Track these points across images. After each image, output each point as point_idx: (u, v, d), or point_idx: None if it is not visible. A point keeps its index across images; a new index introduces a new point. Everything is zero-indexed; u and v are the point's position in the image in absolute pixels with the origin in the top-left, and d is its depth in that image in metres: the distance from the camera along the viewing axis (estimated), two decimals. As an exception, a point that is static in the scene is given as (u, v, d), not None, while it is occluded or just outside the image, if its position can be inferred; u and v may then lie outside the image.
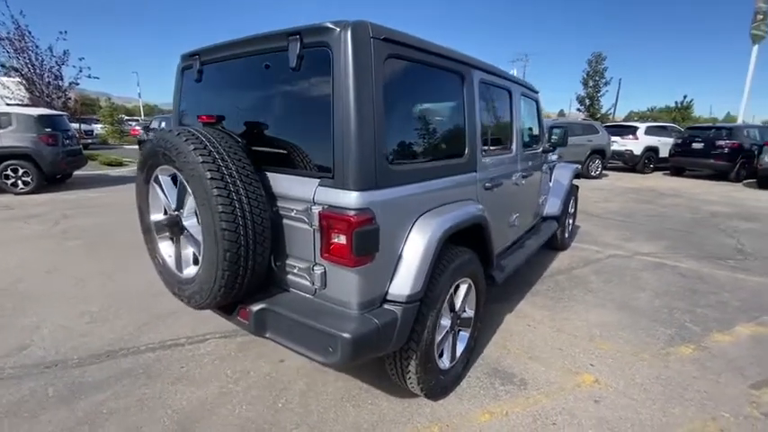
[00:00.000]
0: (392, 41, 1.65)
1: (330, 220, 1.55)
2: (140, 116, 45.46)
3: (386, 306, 1.72)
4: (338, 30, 1.51)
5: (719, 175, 11.61)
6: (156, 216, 1.96)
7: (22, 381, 2.31)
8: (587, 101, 26.78)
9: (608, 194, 9.09)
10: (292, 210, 1.71)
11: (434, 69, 1.97)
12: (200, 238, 1.68)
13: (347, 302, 1.66)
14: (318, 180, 1.63)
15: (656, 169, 13.41)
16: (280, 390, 2.26)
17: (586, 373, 2.44)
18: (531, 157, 3.38)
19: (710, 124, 13.75)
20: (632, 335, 2.90)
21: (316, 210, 1.59)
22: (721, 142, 11.03)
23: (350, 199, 1.53)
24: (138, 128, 28.07)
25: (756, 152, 10.49)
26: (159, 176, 1.84)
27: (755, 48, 14.32)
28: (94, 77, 13.42)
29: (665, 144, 12.96)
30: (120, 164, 11.79)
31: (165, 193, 1.86)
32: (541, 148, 3.74)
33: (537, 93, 3.72)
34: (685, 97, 30.54)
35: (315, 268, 1.68)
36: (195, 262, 1.84)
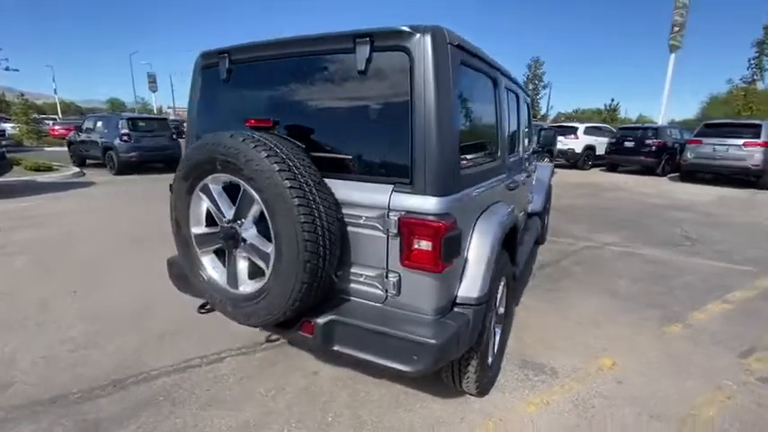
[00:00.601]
0: (462, 48, 1.66)
1: (412, 226, 1.53)
2: (58, 115, 40.58)
3: (456, 309, 1.73)
4: (418, 35, 1.49)
5: (648, 170, 13.05)
6: (199, 229, 1.80)
7: (21, 424, 1.99)
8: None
9: (559, 190, 9.80)
10: (361, 217, 1.66)
11: (483, 75, 2.02)
12: (268, 249, 1.57)
13: (423, 308, 1.65)
14: (392, 186, 1.60)
15: (593, 166, 14.75)
16: (324, 403, 2.18)
17: (604, 357, 2.64)
18: (530, 157, 3.57)
19: (639, 125, 15.41)
20: (628, 318, 3.19)
21: (394, 216, 1.56)
22: (649, 141, 12.41)
23: (432, 204, 1.53)
24: (57, 127, 25.00)
25: (678, 149, 11.96)
26: (210, 186, 1.69)
27: (672, 56, 16.35)
28: (13, 70, 11.72)
29: (600, 143, 14.29)
30: (50, 168, 10.43)
31: (216, 204, 1.71)
32: (531, 149, 3.97)
33: (529, 95, 3.94)
34: (612, 100, 33.98)
35: (389, 275, 1.65)
36: (251, 276, 1.72)
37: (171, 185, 1.85)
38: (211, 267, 1.82)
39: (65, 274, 3.92)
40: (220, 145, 1.55)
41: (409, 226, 1.53)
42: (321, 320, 1.68)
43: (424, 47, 1.49)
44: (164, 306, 3.22)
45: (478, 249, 1.78)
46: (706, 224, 6.46)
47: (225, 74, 2.01)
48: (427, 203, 1.53)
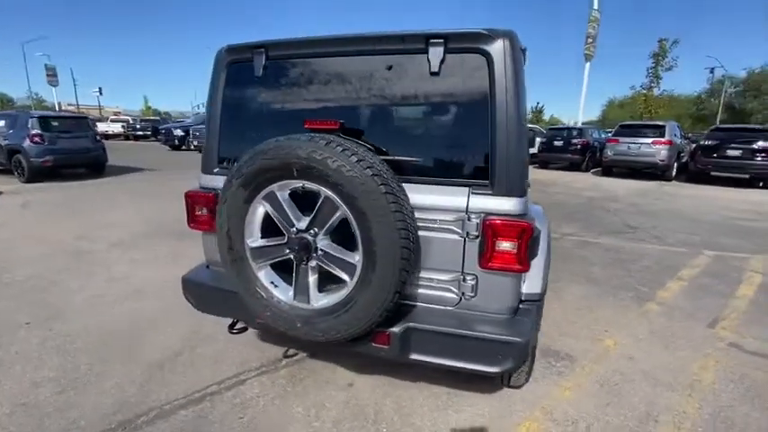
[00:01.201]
0: (524, 51, 1.71)
1: (497, 228, 1.54)
2: None
3: (522, 306, 1.78)
4: (499, 38, 1.50)
5: (573, 166, 14.50)
6: (256, 241, 1.62)
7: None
8: None
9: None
10: (435, 221, 1.63)
11: None
12: (353, 258, 1.47)
13: (499, 308, 1.67)
14: (468, 188, 1.60)
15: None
16: (372, 414, 2.10)
17: (607, 339, 2.90)
18: None
19: (566, 125, 17.06)
20: (610, 301, 3.53)
21: (475, 219, 1.56)
22: (575, 140, 13.80)
23: (514, 205, 1.55)
24: None
25: (599, 147, 13.49)
26: (277, 193, 1.53)
27: (588, 65, 18.43)
28: None
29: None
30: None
31: (284, 212, 1.55)
32: None
33: None
34: (538, 103, 36.92)
35: (467, 278, 1.64)
36: (320, 289, 1.59)
37: (221, 193, 1.64)
38: (270, 282, 1.66)
39: (9, 301, 3.29)
40: (299, 149, 1.42)
41: (494, 228, 1.54)
42: (397, 329, 1.62)
43: (504, 50, 1.50)
44: (145, 330, 2.86)
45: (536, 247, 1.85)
46: (636, 213, 7.38)
47: (260, 70, 1.84)
48: (510, 205, 1.55)
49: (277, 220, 1.61)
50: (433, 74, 1.58)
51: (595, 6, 16.72)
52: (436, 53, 1.56)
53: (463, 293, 1.67)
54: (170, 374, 2.41)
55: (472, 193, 1.59)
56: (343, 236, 1.55)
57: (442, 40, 1.55)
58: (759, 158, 9.99)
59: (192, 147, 17.76)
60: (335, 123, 1.58)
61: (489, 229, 1.55)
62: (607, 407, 2.19)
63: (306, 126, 1.62)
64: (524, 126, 1.57)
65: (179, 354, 2.59)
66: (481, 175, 1.58)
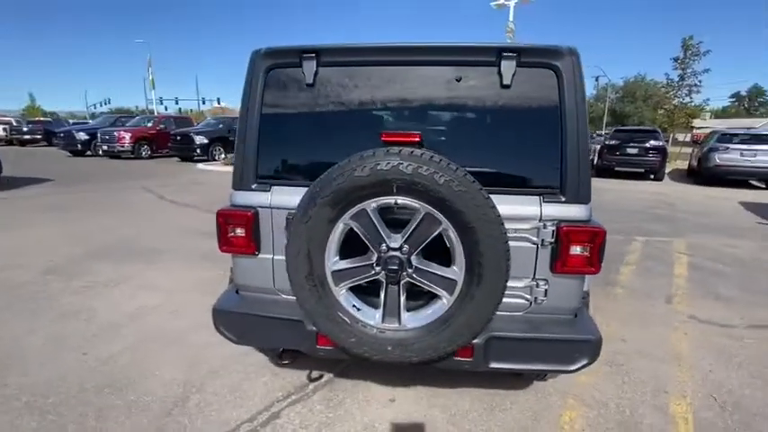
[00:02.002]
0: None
1: (574, 234, 1.62)
2: None
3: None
4: (567, 55, 1.59)
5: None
6: (339, 263, 1.49)
7: None
8: None
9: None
10: (510, 230, 1.66)
11: None
12: (452, 275, 1.43)
13: (567, 309, 1.76)
14: (539, 197, 1.66)
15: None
16: (426, 427, 2.08)
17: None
18: None
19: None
20: (584, 289, 3.94)
21: (551, 226, 1.63)
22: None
23: (585, 212, 1.65)
24: None
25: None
26: (368, 211, 1.42)
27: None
28: None
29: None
30: None
31: (376, 231, 1.45)
32: None
33: None
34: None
35: (539, 284, 1.70)
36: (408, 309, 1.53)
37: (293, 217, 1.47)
38: (352, 306, 1.54)
39: None
40: (401, 165, 1.34)
41: (569, 234, 1.62)
42: (480, 340, 1.63)
43: (573, 66, 1.59)
44: (132, 374, 2.47)
45: None
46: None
47: (311, 77, 1.69)
48: (581, 211, 1.65)
49: (366, 239, 1.51)
50: (504, 86, 1.61)
51: (510, 18, 18.38)
52: (509, 66, 1.59)
53: (535, 298, 1.73)
54: (187, 420, 2.11)
55: (544, 201, 1.65)
56: (434, 251, 1.51)
57: (514, 54, 1.59)
58: (650, 155, 11.88)
59: (101, 152, 15.51)
60: (416, 136, 1.53)
61: (565, 236, 1.63)
62: (624, 385, 2.44)
63: (383, 139, 1.54)
64: (588, 136, 1.69)
65: (186, 397, 2.27)
66: (552, 184, 1.66)
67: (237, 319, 1.84)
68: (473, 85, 1.66)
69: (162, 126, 16.66)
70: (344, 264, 1.56)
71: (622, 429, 2.08)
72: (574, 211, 1.65)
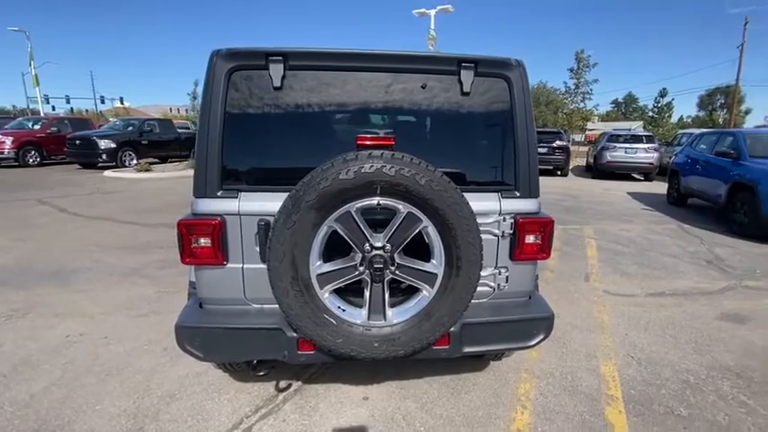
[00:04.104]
0: None
1: (529, 225, 1.83)
2: None
3: None
4: (516, 66, 1.79)
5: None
6: (323, 266, 1.49)
7: None
8: None
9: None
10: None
11: None
12: (433, 269, 1.53)
13: (523, 292, 1.97)
14: (497, 193, 1.84)
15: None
16: (401, 419, 2.15)
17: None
18: None
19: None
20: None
21: (510, 219, 1.82)
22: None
23: (536, 205, 1.87)
24: None
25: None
26: (353, 213, 1.44)
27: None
28: None
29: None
30: None
31: (360, 231, 1.47)
32: None
33: None
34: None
35: (501, 271, 1.88)
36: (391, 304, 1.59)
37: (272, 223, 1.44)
38: (337, 308, 1.55)
39: None
40: (384, 167, 1.39)
41: (525, 225, 1.82)
42: (455, 328, 1.76)
43: (521, 76, 1.80)
44: (62, 416, 2.19)
45: None
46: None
47: (279, 80, 1.67)
48: (533, 205, 1.86)
49: (350, 240, 1.53)
50: (464, 94, 1.76)
51: (432, 27, 19.42)
52: (468, 76, 1.74)
53: (498, 285, 1.91)
54: (146, 451, 1.93)
55: (502, 197, 1.84)
56: (411, 248, 1.59)
57: (472, 64, 1.74)
58: (557, 154, 13.44)
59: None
60: (391, 140, 1.60)
61: (521, 227, 1.83)
62: (564, 356, 2.78)
63: (359, 143, 1.58)
64: (535, 138, 1.91)
65: (140, 429, 2.07)
66: (508, 181, 1.85)
67: (205, 335, 1.73)
68: (437, 92, 1.78)
69: (54, 129, 14.45)
70: (328, 266, 1.57)
71: (567, 393, 2.39)
72: (527, 205, 1.86)
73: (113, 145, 13.01)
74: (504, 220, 1.82)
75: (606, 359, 2.74)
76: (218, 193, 1.72)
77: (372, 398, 2.33)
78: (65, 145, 13.27)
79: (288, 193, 1.57)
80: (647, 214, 7.77)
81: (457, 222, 1.50)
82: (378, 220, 1.58)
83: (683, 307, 3.59)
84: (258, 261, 1.76)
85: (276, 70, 1.67)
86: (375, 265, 1.54)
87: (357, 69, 1.73)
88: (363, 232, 1.53)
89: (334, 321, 1.56)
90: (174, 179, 11.54)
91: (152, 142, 14.22)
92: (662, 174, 12.57)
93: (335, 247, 1.58)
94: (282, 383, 2.41)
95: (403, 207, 1.51)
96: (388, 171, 1.41)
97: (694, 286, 4.06)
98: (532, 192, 1.87)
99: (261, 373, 1.83)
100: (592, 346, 2.90)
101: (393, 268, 1.58)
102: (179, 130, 16.12)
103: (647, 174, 13.05)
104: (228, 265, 1.76)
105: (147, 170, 12.10)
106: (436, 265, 1.59)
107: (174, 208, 7.45)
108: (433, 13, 19.16)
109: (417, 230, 1.55)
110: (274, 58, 1.66)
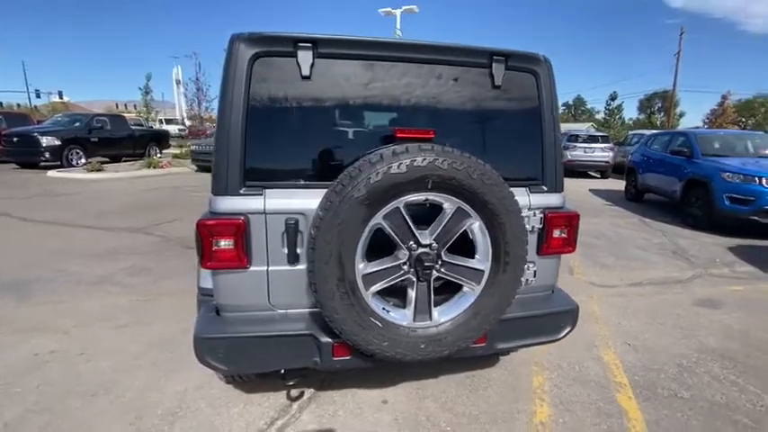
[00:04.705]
0: None
1: (556, 219, 1.83)
2: None
3: None
4: (543, 60, 1.79)
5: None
6: (369, 266, 1.40)
7: None
8: None
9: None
10: None
11: None
12: (480, 265, 1.48)
13: (549, 286, 1.99)
14: (526, 188, 1.84)
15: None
16: (425, 420, 2.11)
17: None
18: None
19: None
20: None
21: (539, 213, 1.82)
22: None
23: (561, 200, 1.89)
24: None
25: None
26: (401, 209, 1.36)
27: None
28: None
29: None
30: None
31: (408, 228, 1.39)
32: None
33: None
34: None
35: (529, 266, 1.88)
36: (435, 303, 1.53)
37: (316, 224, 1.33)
38: (381, 309, 1.47)
39: None
40: (437, 160, 1.33)
41: (553, 220, 1.83)
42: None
43: (548, 72, 1.80)
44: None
45: None
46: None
47: (308, 69, 1.56)
48: (559, 199, 1.87)
49: (397, 238, 1.45)
50: (495, 87, 1.74)
51: (398, 26, 19.55)
52: (499, 69, 1.72)
53: (526, 280, 1.91)
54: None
55: (531, 191, 1.84)
56: (456, 244, 1.54)
57: (503, 58, 1.72)
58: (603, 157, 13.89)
59: None
60: (430, 132, 1.54)
61: (550, 221, 1.83)
62: (565, 347, 2.84)
63: (398, 135, 1.51)
64: (560, 133, 1.93)
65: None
66: (536, 176, 1.85)
67: (230, 345, 1.58)
68: (468, 84, 1.75)
69: (-16, 125, 12.97)
70: (374, 266, 1.49)
71: (578, 383, 2.45)
72: (554, 199, 1.88)
73: (58, 142, 11.87)
74: (534, 214, 1.82)
75: (606, 348, 2.85)
76: (241, 191, 1.58)
77: (391, 401, 2.26)
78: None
79: (322, 189, 1.48)
80: (609, 209, 8.25)
81: (506, 217, 1.47)
82: (418, 216, 1.52)
83: (661, 295, 3.82)
84: (284, 263, 1.64)
85: (305, 58, 1.56)
86: (425, 264, 1.47)
87: (388, 59, 1.65)
88: (411, 229, 1.46)
89: (379, 324, 1.48)
90: (130, 180, 10.76)
91: (103, 140, 13.13)
92: (615, 171, 13.47)
93: (378, 246, 1.50)
94: (294, 392, 2.28)
95: (453, 202, 1.45)
96: (440, 164, 1.36)
97: (667, 275, 4.35)
98: (558, 186, 1.89)
99: (290, 383, 1.70)
100: (590, 336, 3.01)
101: (439, 266, 1.52)
102: (132, 127, 15.04)
103: (603, 171, 13.89)
104: (252, 268, 1.63)
105: (98, 170, 11.17)
106: (482, 261, 1.56)
107: (136, 211, 6.94)
108: (398, 12, 19.25)
109: (466, 226, 1.51)
110: (303, 44, 1.55)
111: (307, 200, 1.59)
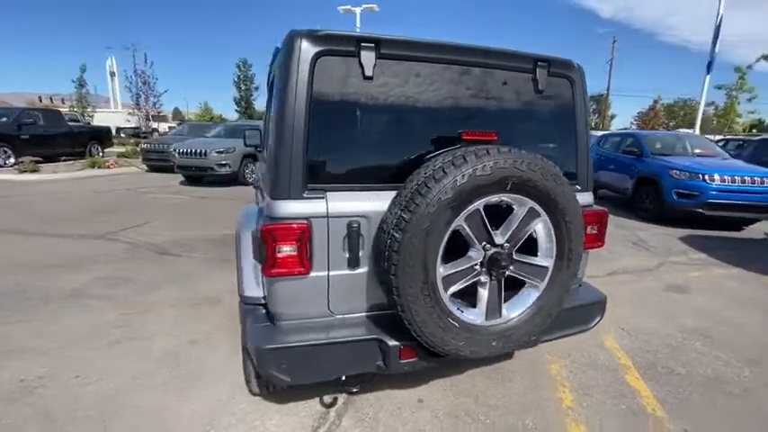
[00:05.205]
0: None
1: (589, 216, 1.95)
2: None
3: None
4: (577, 67, 1.90)
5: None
6: (448, 267, 1.41)
7: None
8: (243, 103, 29.10)
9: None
10: None
11: None
12: (544, 263, 1.55)
13: (578, 279, 2.11)
14: None
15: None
16: (464, 415, 2.16)
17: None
18: None
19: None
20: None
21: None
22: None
23: (591, 198, 2.02)
24: None
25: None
26: (481, 210, 1.38)
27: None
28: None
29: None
30: None
31: (485, 229, 1.42)
32: None
33: None
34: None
35: None
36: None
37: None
38: (457, 309, 1.48)
39: None
40: (516, 162, 1.37)
41: (586, 217, 1.94)
42: None
43: (581, 77, 1.92)
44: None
45: None
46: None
47: (371, 69, 1.53)
48: (590, 197, 2.00)
49: (474, 239, 1.47)
50: (538, 91, 1.82)
51: (357, 24, 19.45)
52: (543, 75, 1.80)
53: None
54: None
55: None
56: (525, 243, 1.61)
57: (546, 64, 1.81)
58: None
59: None
60: (493, 135, 1.58)
61: (587, 219, 1.95)
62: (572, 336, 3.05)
63: (465, 138, 1.53)
64: (589, 135, 2.06)
65: None
66: (572, 175, 1.96)
67: (294, 355, 1.51)
68: (516, 88, 1.81)
69: None
70: (451, 268, 1.50)
71: (591, 368, 2.63)
72: (586, 198, 2.00)
73: (-21, 140, 10.49)
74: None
75: (605, 333, 3.08)
76: (304, 194, 1.52)
77: (426, 399, 2.29)
78: None
79: (383, 191, 1.52)
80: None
81: (572, 216, 1.56)
82: (489, 217, 1.56)
83: (637, 283, 4.19)
84: (344, 267, 1.61)
85: (368, 58, 1.53)
86: (501, 263, 1.52)
87: (445, 62, 1.67)
88: (488, 230, 1.50)
89: (456, 324, 1.49)
90: (72, 181, 9.78)
91: (35, 137, 11.78)
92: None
93: (450, 248, 1.51)
94: (327, 398, 2.23)
95: (525, 203, 1.51)
96: (520, 166, 1.40)
97: (637, 264, 4.77)
98: (589, 185, 2.02)
99: (354, 390, 1.65)
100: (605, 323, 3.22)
101: (512, 266, 1.58)
102: (69, 123, 13.65)
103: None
104: (312, 274, 1.57)
105: (33, 171, 10.04)
106: (546, 258, 1.63)
107: (90, 215, 6.35)
108: (358, 11, 19.19)
109: (534, 226, 1.57)
110: (367, 44, 1.52)
111: (368, 202, 1.57)
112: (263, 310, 1.72)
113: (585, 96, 1.98)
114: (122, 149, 15.41)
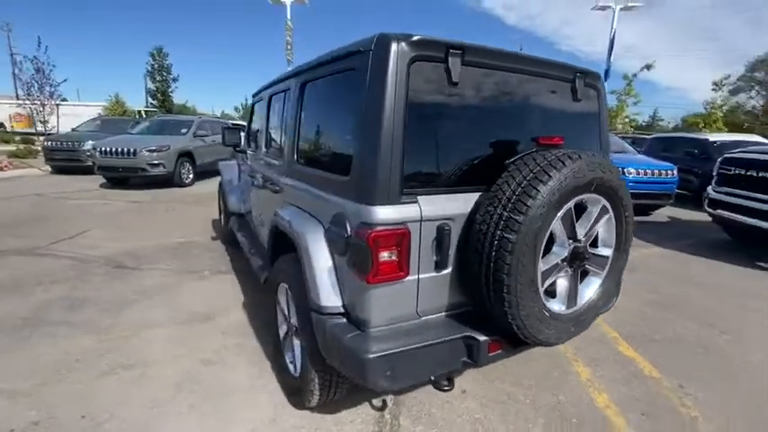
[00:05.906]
0: None
1: None
2: None
3: None
4: (600, 77, 2.15)
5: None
6: (546, 262, 1.52)
7: None
8: (159, 96, 26.33)
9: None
10: None
11: None
12: (606, 253, 1.75)
13: None
14: None
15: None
16: (506, 398, 2.32)
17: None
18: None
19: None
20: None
21: None
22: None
23: None
24: None
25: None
26: (571, 209, 1.51)
27: (289, 67, 20.27)
28: None
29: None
30: None
31: (572, 225, 1.54)
32: None
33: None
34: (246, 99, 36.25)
35: None
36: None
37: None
38: (545, 300, 1.60)
39: None
40: (601, 166, 1.53)
41: None
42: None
43: (603, 87, 2.17)
44: None
45: None
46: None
47: (456, 75, 1.57)
48: None
49: (563, 236, 1.59)
50: (576, 100, 2.02)
51: (288, 17, 18.73)
52: (581, 84, 2.00)
53: None
54: None
55: None
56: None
57: (583, 75, 2.01)
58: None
59: None
60: (560, 139, 1.72)
61: None
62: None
63: (541, 143, 1.66)
64: (609, 138, 2.32)
65: None
66: None
67: (395, 360, 1.50)
68: (562, 97, 1.98)
69: None
70: (545, 263, 1.61)
71: (593, 343, 2.96)
72: None
73: None
74: None
75: (603, 324, 3.47)
76: (402, 199, 1.51)
77: (468, 389, 2.40)
78: None
79: (468, 194, 1.63)
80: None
81: (629, 211, 1.77)
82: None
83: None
84: (431, 269, 1.64)
85: (455, 64, 1.57)
86: (584, 256, 1.69)
87: (515, 70, 1.77)
88: (575, 227, 1.64)
89: (548, 315, 1.61)
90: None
91: None
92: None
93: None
94: (376, 402, 2.23)
95: (600, 201, 1.68)
96: (602, 169, 1.57)
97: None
98: None
99: (446, 387, 1.66)
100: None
101: (589, 256, 1.75)
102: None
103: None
104: (406, 279, 1.58)
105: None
106: (607, 249, 1.83)
107: (2, 228, 5.32)
108: (288, 2, 18.52)
109: (604, 220, 1.75)
110: (454, 51, 1.56)
111: (454, 203, 1.63)
112: (344, 319, 1.67)
113: (606, 104, 2.24)
114: (11, 148, 12.99)
